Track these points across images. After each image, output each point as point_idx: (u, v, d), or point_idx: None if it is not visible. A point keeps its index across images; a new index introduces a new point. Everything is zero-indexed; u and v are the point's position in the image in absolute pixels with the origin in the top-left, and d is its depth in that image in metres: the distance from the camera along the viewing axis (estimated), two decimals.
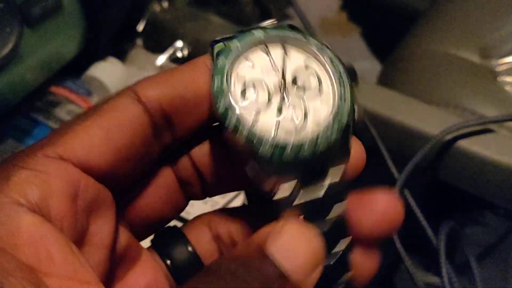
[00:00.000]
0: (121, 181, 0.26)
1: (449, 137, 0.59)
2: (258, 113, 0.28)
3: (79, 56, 0.62)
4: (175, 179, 0.29)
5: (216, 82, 0.27)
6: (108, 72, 0.64)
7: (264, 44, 0.29)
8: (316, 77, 0.30)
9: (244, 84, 0.28)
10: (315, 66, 0.30)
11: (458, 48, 0.75)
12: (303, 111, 0.29)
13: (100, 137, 0.24)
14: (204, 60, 0.29)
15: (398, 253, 0.57)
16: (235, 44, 0.28)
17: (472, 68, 0.73)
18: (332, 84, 0.29)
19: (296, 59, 0.30)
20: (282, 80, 0.29)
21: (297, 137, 0.27)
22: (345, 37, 1.22)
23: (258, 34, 0.29)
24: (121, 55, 0.69)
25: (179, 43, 0.70)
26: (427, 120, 0.61)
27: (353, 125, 0.29)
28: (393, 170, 0.57)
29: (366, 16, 1.17)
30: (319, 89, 0.29)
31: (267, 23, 0.31)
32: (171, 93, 0.27)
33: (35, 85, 0.58)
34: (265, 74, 0.29)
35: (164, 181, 0.29)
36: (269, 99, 0.29)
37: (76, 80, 0.64)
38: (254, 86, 0.28)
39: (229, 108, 0.26)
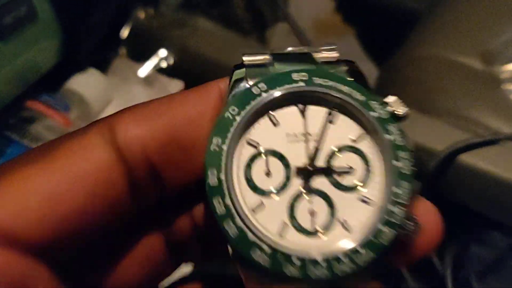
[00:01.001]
0: (75, 252, 0.20)
1: (455, 153, 0.55)
2: (259, 207, 0.23)
3: (56, 68, 0.58)
4: (164, 244, 0.24)
5: (213, 146, 0.23)
6: (88, 85, 0.60)
7: (302, 99, 0.25)
8: (364, 164, 0.25)
9: (254, 159, 0.24)
10: (366, 147, 0.25)
11: (460, 54, 0.72)
12: (330, 212, 0.24)
13: (43, 196, 0.18)
14: (216, 87, 0.24)
15: (402, 275, 0.54)
16: (262, 84, 0.24)
17: (474, 75, 0.70)
18: (385, 179, 0.24)
19: (343, 131, 0.25)
20: (310, 160, 0.24)
21: (309, 248, 0.23)
22: (340, 39, 1.19)
23: (299, 78, 0.25)
24: (103, 66, 0.64)
25: (162, 52, 0.66)
26: (431, 134, 0.58)
27: (407, 240, 0.23)
28: None
29: (361, 18, 1.14)
30: (364, 182, 0.24)
31: (323, 52, 0.26)
32: (163, 135, 0.21)
33: (8, 100, 0.55)
34: (289, 145, 0.25)
35: (148, 249, 0.23)
36: (285, 186, 0.24)
37: (54, 94, 0.60)
38: (267, 164, 0.24)
39: (227, 212, 0.22)
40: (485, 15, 0.75)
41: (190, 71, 0.67)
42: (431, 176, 0.55)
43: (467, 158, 0.56)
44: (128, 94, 0.62)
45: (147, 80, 0.65)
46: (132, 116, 0.21)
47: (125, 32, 0.67)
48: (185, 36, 0.68)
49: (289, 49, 0.26)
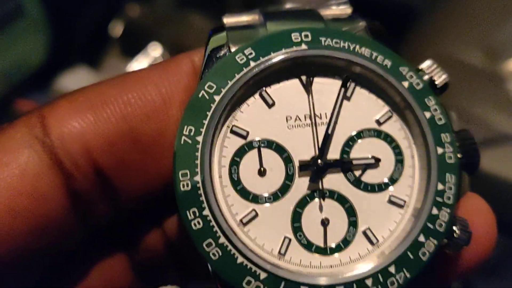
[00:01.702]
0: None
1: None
2: (251, 219, 0.18)
3: (46, 65, 0.57)
4: (129, 267, 0.19)
5: (183, 138, 0.17)
6: (79, 82, 0.58)
7: (306, 69, 0.19)
8: (393, 153, 0.19)
9: (243, 152, 0.18)
10: (395, 129, 0.19)
11: (462, 51, 0.70)
12: (348, 220, 0.19)
13: None
14: (188, 60, 0.18)
15: None
16: (248, 49, 0.18)
17: (477, 73, 0.69)
18: (422, 173, 0.18)
19: (363, 110, 0.19)
20: (319, 152, 0.18)
21: (321, 273, 0.17)
22: None
23: (301, 39, 0.18)
24: (94, 62, 0.63)
25: (155, 48, 0.64)
26: None
27: (454, 251, 0.18)
28: None
29: (361, 14, 1.13)
30: (393, 177, 0.19)
31: (333, 8, 0.20)
32: (113, 129, 0.16)
33: None
34: (290, 133, 0.19)
35: (108, 274, 0.18)
36: (286, 188, 0.18)
37: (44, 92, 0.58)
38: (260, 160, 0.18)
39: (206, 227, 0.16)
40: (488, 12, 0.74)
41: None
42: None
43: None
44: None
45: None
46: (70, 104, 0.16)
47: (117, 29, 0.65)
48: (179, 33, 0.66)
49: (288, 6, 0.20)
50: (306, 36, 0.19)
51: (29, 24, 0.54)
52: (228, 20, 0.20)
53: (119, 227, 0.19)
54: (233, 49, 0.19)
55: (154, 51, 0.63)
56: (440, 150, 0.19)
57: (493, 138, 0.56)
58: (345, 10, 0.21)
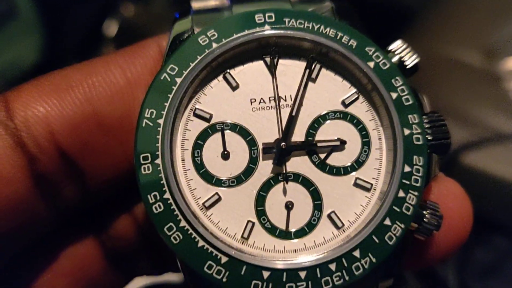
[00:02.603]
0: None
1: (458, 154, 0.53)
2: (214, 202, 0.17)
3: (40, 65, 0.57)
4: (101, 253, 0.19)
5: (145, 120, 0.16)
6: None
7: (270, 50, 0.18)
8: (359, 135, 0.19)
9: (206, 136, 0.18)
10: (361, 111, 0.19)
11: (459, 50, 0.70)
12: (313, 203, 0.18)
13: None
14: (155, 44, 0.18)
15: (402, 276, 0.52)
16: (211, 31, 0.18)
17: (475, 72, 0.68)
18: (389, 155, 0.18)
19: (328, 92, 0.19)
20: (283, 134, 0.18)
21: (285, 256, 0.17)
22: None
23: (265, 20, 0.18)
24: None
25: None
26: None
27: (424, 236, 0.17)
28: None
29: (358, 15, 1.12)
30: (359, 159, 0.18)
31: None
32: (77, 112, 0.16)
33: None
34: (254, 115, 0.18)
35: (79, 260, 0.18)
36: (249, 171, 0.18)
37: None
38: (224, 143, 0.18)
39: (167, 211, 0.16)
40: (485, 11, 0.73)
41: None
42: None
43: (468, 159, 0.54)
44: None
45: None
46: (35, 88, 0.16)
47: (112, 28, 0.65)
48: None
49: None
50: (270, 17, 0.19)
51: (22, 24, 0.53)
52: (196, 3, 0.19)
53: (89, 212, 0.19)
54: (196, 31, 0.19)
55: None
56: (407, 131, 0.18)
57: (490, 137, 0.56)
58: None
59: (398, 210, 0.17)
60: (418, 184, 0.18)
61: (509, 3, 0.77)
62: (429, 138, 0.18)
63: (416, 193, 0.17)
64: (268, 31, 0.18)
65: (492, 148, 0.56)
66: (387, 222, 0.17)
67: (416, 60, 0.19)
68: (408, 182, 0.18)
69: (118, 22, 0.65)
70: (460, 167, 0.55)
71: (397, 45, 0.19)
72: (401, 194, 0.18)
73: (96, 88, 0.17)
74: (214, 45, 0.18)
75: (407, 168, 0.18)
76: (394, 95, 0.18)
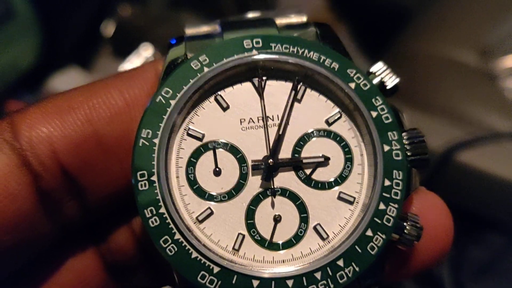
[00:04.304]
0: None
1: (450, 151, 0.53)
2: (207, 216, 0.19)
3: (37, 66, 0.56)
4: (101, 266, 0.20)
5: (141, 140, 0.18)
6: (70, 83, 0.57)
7: (258, 73, 0.20)
8: (342, 151, 0.20)
9: (199, 154, 0.20)
10: (344, 129, 0.20)
11: (454, 50, 0.70)
12: (299, 216, 0.19)
13: None
14: (152, 69, 0.20)
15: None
16: (203, 56, 0.19)
17: (470, 71, 0.68)
18: (370, 170, 0.19)
19: (313, 111, 0.20)
20: (271, 152, 0.19)
21: (274, 266, 0.19)
22: None
23: (253, 45, 0.19)
24: (86, 63, 0.62)
25: (147, 49, 0.64)
26: (427, 132, 0.56)
27: (405, 247, 0.19)
28: None
29: (354, 15, 1.12)
30: (343, 174, 0.20)
31: (290, 16, 0.21)
32: (78, 132, 0.17)
33: None
34: (244, 134, 0.20)
35: (80, 272, 0.19)
36: (240, 186, 0.19)
37: (35, 93, 0.57)
38: (216, 160, 0.20)
39: (162, 224, 0.17)
40: (480, 10, 0.74)
41: None
42: (427, 175, 0.54)
43: (463, 157, 0.54)
44: None
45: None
46: (39, 110, 0.18)
47: (109, 29, 0.65)
48: (170, 33, 0.66)
49: (248, 15, 0.22)
50: (258, 42, 0.20)
51: (20, 25, 0.53)
52: (189, 30, 0.21)
53: (89, 226, 0.20)
54: (189, 56, 0.20)
55: (146, 52, 0.63)
56: (386, 148, 0.19)
57: (485, 135, 0.56)
58: (300, 18, 0.22)
59: (379, 221, 0.19)
60: (398, 197, 0.19)
61: (504, 2, 0.77)
62: (408, 153, 0.19)
63: (396, 206, 0.19)
64: (255, 56, 0.20)
65: (487, 146, 0.56)
66: (369, 233, 0.19)
67: (396, 81, 0.21)
68: (388, 195, 0.19)
69: (115, 22, 0.65)
70: (455, 165, 0.55)
71: (378, 67, 0.21)
72: (382, 206, 0.19)
73: (97, 110, 0.18)
74: (206, 69, 0.19)
75: (387, 182, 0.19)
76: (374, 114, 0.20)
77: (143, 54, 0.63)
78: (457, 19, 0.74)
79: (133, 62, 0.63)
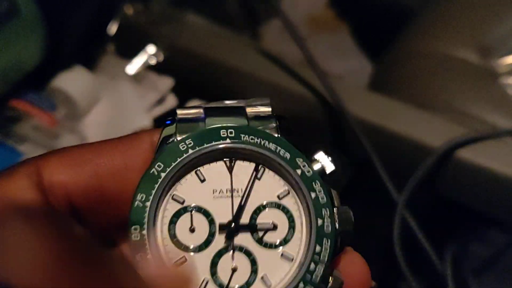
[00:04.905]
0: None
1: (453, 149, 0.54)
2: (182, 263, 0.23)
3: (41, 65, 0.57)
4: None
5: (137, 202, 0.23)
6: (75, 83, 0.58)
7: (230, 155, 0.25)
8: (287, 221, 0.25)
9: (179, 214, 0.24)
10: (291, 204, 0.25)
11: (456, 48, 0.70)
12: (251, 268, 0.24)
13: None
14: (149, 139, 0.24)
15: (400, 272, 0.52)
16: (189, 140, 0.24)
17: (471, 69, 0.69)
18: (306, 237, 0.25)
19: (269, 188, 0.25)
20: (234, 217, 0.25)
21: None
22: (333, 35, 1.17)
23: (227, 135, 0.25)
24: (90, 63, 0.62)
25: (151, 48, 0.64)
26: (428, 130, 0.56)
27: None
28: (392, 190, 0.51)
29: (355, 13, 1.12)
30: (286, 238, 0.25)
31: (258, 107, 0.26)
32: (87, 183, 0.21)
33: None
34: (215, 202, 0.25)
35: None
36: (208, 242, 0.24)
37: (39, 93, 0.58)
38: (192, 220, 0.24)
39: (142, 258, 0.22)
40: (481, 8, 0.74)
41: (180, 68, 0.65)
42: (428, 173, 0.54)
43: (465, 154, 0.54)
44: (116, 92, 0.60)
45: (136, 77, 0.63)
46: (59, 160, 0.21)
47: (113, 28, 0.65)
48: (175, 33, 0.66)
49: (226, 102, 0.27)
50: (231, 132, 0.25)
51: (24, 23, 0.53)
52: (180, 112, 0.26)
53: None
54: (179, 138, 0.25)
55: (150, 54, 0.63)
56: (320, 221, 0.24)
57: (487, 132, 0.56)
58: (265, 109, 0.26)
59: (309, 277, 0.24)
60: (325, 260, 0.24)
61: (505, 0, 0.77)
62: (337, 226, 0.25)
63: (323, 266, 0.24)
64: (228, 144, 0.25)
65: (489, 144, 0.56)
66: (301, 285, 0.24)
67: (333, 168, 0.25)
68: (318, 258, 0.24)
69: (119, 21, 0.65)
70: (457, 162, 0.56)
71: (319, 157, 0.26)
72: (312, 266, 0.24)
73: (102, 168, 0.22)
74: (190, 151, 0.25)
75: (318, 248, 0.24)
76: (313, 195, 0.25)
77: (148, 57, 0.64)
78: (459, 17, 0.74)
79: (138, 64, 0.63)
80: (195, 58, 0.65)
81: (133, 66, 0.62)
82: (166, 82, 0.62)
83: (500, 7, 0.72)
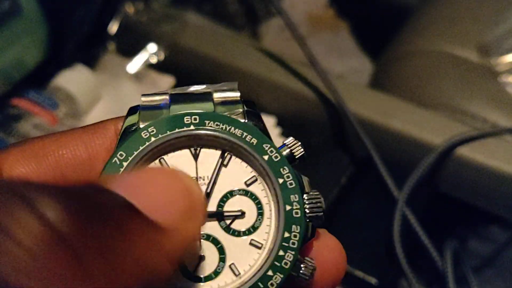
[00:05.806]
0: None
1: (453, 147, 0.54)
2: None
3: (43, 64, 0.57)
4: None
5: None
6: (76, 81, 0.58)
7: (194, 143, 0.24)
8: (255, 207, 0.24)
9: None
10: (258, 190, 0.25)
11: (455, 46, 0.70)
12: (219, 257, 0.24)
13: None
14: (113, 128, 0.23)
15: (401, 271, 0.53)
16: (151, 128, 0.23)
17: (471, 68, 0.69)
18: (275, 223, 0.24)
19: (235, 175, 0.25)
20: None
21: None
22: (334, 34, 1.17)
23: (191, 121, 0.24)
24: (91, 62, 0.62)
25: (152, 47, 0.64)
26: (428, 127, 0.56)
27: (301, 283, 0.23)
28: (392, 187, 0.52)
29: (355, 12, 1.13)
30: (254, 226, 0.24)
31: (225, 92, 0.25)
32: (49, 176, 0.20)
33: None
34: None
35: None
36: None
37: (41, 91, 0.58)
38: None
39: None
40: (481, 7, 0.74)
41: (181, 67, 0.65)
42: (429, 170, 0.54)
43: (465, 152, 0.55)
44: (117, 91, 0.61)
45: (137, 76, 0.63)
46: (20, 152, 0.21)
47: (114, 27, 0.65)
48: (176, 31, 0.66)
49: (191, 88, 0.26)
50: (195, 119, 0.24)
51: (26, 22, 0.53)
52: (144, 99, 0.25)
53: None
54: (141, 126, 0.24)
55: (151, 52, 0.63)
56: (288, 207, 0.24)
57: (487, 130, 0.56)
58: (233, 94, 0.26)
59: (279, 264, 0.23)
60: (294, 246, 0.23)
61: (503, 2, 0.77)
62: (307, 211, 0.24)
63: (293, 252, 0.23)
64: (192, 131, 0.24)
65: (489, 141, 0.56)
66: (270, 273, 0.23)
67: (302, 153, 0.25)
68: (287, 244, 0.23)
69: (120, 20, 0.66)
70: (457, 160, 0.56)
71: (289, 141, 0.25)
72: (281, 253, 0.23)
73: (65, 159, 0.21)
74: (153, 139, 0.23)
75: (286, 234, 0.23)
76: (281, 180, 0.24)
77: (149, 56, 0.64)
78: (458, 16, 0.74)
79: (139, 63, 0.63)
80: (195, 56, 0.65)
81: (134, 65, 0.62)
82: (167, 81, 0.63)
83: (499, 6, 0.72)
